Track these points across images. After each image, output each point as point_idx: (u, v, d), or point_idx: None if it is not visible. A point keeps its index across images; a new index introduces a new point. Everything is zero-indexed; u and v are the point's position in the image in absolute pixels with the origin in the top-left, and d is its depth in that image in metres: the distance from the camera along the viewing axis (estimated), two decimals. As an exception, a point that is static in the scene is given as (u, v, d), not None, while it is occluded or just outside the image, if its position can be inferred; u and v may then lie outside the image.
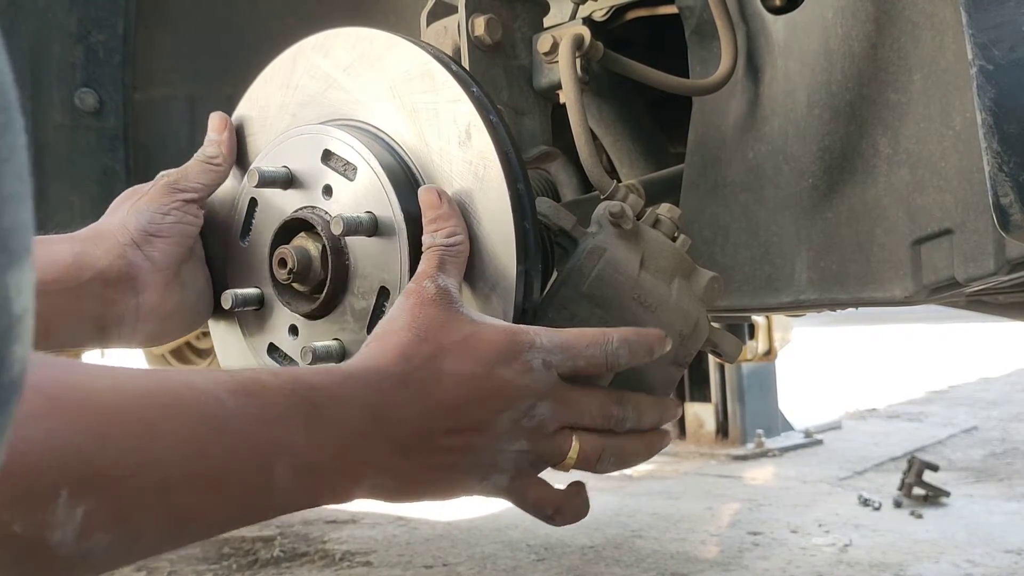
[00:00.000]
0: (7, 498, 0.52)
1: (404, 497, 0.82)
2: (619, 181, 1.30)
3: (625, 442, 0.89)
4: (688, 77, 1.34)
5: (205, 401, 0.62)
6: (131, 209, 0.98)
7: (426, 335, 0.80)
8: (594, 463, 0.87)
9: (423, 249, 0.87)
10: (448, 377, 0.79)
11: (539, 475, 0.87)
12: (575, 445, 0.86)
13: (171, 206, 0.98)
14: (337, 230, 0.89)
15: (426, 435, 0.78)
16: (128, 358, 5.44)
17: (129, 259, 0.95)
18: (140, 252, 0.96)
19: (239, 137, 1.05)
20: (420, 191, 0.90)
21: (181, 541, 0.65)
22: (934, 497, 3.42)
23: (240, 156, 1.05)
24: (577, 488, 0.89)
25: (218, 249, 1.05)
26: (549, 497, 0.87)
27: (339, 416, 0.71)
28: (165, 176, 1.01)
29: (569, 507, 0.88)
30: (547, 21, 1.29)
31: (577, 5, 1.34)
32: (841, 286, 1.21)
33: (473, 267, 0.90)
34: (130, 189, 1.02)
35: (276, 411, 0.66)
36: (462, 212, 0.90)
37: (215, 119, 1.04)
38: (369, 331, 0.89)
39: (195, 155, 1.03)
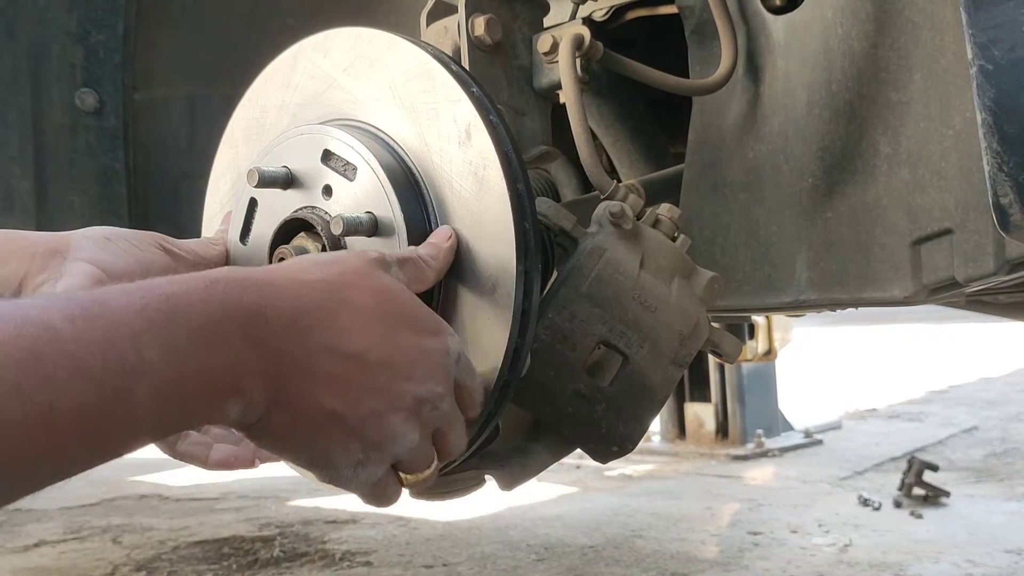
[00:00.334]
0: None
1: (277, 440, 0.73)
2: (619, 181, 1.30)
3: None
4: (688, 77, 1.34)
5: (35, 334, 0.57)
6: (113, 228, 0.95)
7: (341, 269, 0.76)
8: (423, 486, 0.83)
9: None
10: (350, 307, 0.74)
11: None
12: (435, 462, 0.81)
13: (146, 241, 0.94)
14: (337, 230, 0.89)
15: (310, 355, 0.71)
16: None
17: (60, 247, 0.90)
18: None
19: None
20: (441, 229, 0.90)
21: (34, 482, 0.59)
22: (934, 497, 3.42)
23: None
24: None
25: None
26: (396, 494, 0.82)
27: (200, 323, 0.65)
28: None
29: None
30: (547, 21, 1.29)
31: (577, 5, 1.34)
32: (841, 286, 1.21)
33: (473, 267, 0.90)
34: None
35: (124, 331, 0.60)
36: (462, 212, 0.91)
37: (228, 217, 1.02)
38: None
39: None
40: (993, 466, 4.14)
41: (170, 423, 0.65)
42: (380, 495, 0.80)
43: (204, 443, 0.97)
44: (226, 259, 1.01)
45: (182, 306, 0.64)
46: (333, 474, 0.76)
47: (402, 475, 0.80)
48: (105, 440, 0.61)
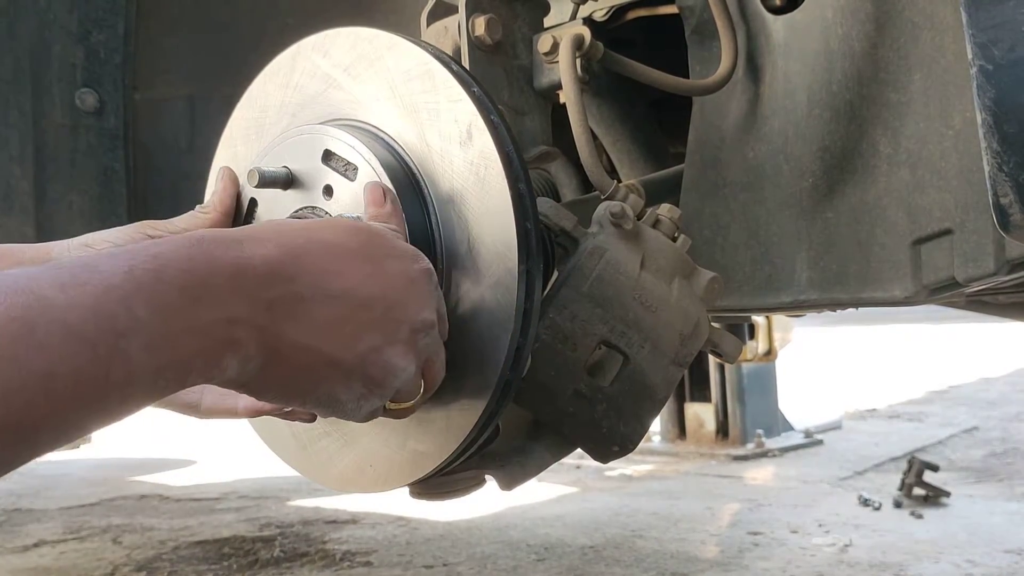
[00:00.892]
0: None
1: (280, 388, 0.73)
2: (619, 181, 1.30)
3: None
4: (688, 77, 1.34)
5: (26, 303, 0.58)
6: (92, 233, 0.96)
7: (316, 221, 0.77)
8: (405, 415, 0.85)
9: None
10: (333, 248, 0.74)
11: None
12: (421, 391, 0.83)
13: (129, 235, 0.95)
14: (338, 230, 0.89)
15: (302, 299, 0.71)
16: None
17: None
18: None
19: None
20: (366, 185, 0.89)
21: (35, 448, 0.60)
22: (934, 497, 3.42)
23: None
24: None
25: None
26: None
27: (188, 280, 0.65)
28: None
29: None
30: (547, 21, 1.29)
31: (577, 5, 1.34)
32: (841, 286, 1.21)
33: (475, 267, 0.90)
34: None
35: (115, 294, 0.61)
36: (462, 212, 0.91)
37: (221, 172, 1.01)
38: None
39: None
40: (993, 466, 4.14)
41: (167, 381, 0.65)
42: (371, 417, 0.81)
43: (227, 393, 0.97)
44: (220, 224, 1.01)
45: (169, 264, 0.65)
46: (339, 411, 0.77)
47: (388, 403, 0.81)
48: (103, 401, 0.61)
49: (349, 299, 0.74)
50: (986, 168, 0.85)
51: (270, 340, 0.70)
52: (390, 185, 0.91)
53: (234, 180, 1.01)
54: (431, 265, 0.82)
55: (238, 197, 1.01)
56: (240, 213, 1.01)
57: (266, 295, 0.69)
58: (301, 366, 0.72)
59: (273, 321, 0.69)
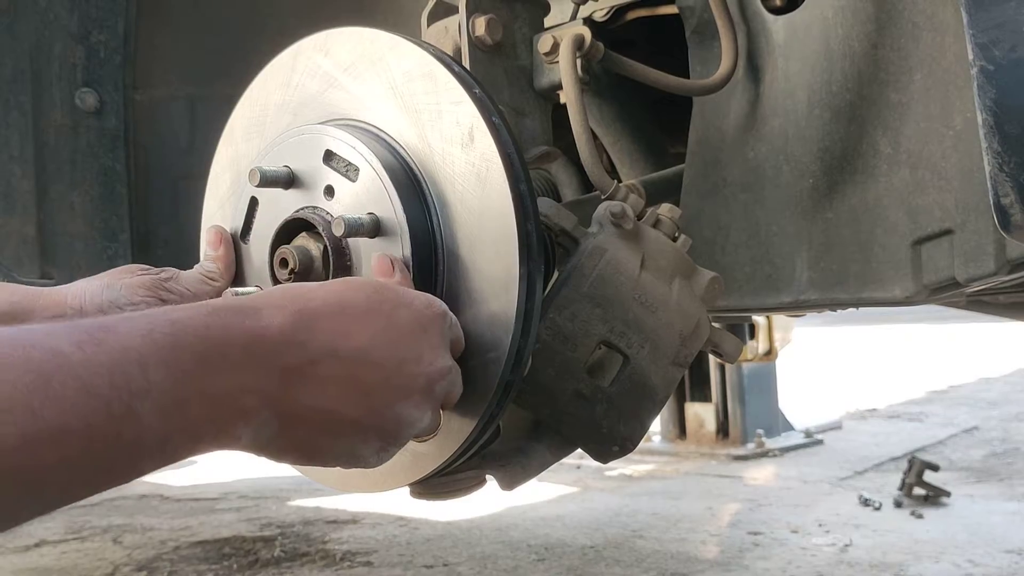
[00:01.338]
0: None
1: (298, 451, 0.75)
2: (619, 181, 1.30)
3: None
4: (688, 77, 1.34)
5: (43, 358, 0.59)
6: (107, 282, 0.97)
7: (331, 284, 0.79)
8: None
9: None
10: (345, 308, 0.75)
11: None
12: (441, 421, 0.85)
13: (144, 298, 0.96)
14: (339, 231, 0.89)
15: (314, 363, 0.72)
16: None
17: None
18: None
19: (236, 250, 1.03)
20: (374, 256, 0.90)
21: (42, 505, 0.61)
22: (934, 497, 3.42)
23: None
24: None
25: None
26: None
27: (204, 346, 0.66)
28: (165, 272, 1.00)
29: None
30: (547, 21, 1.29)
31: (578, 5, 1.34)
32: (841, 286, 1.22)
33: (476, 268, 0.90)
34: (133, 266, 1.01)
35: (131, 355, 0.62)
36: (464, 214, 0.91)
37: (211, 234, 1.03)
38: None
39: (196, 266, 1.02)
40: (993, 466, 4.14)
41: (177, 446, 0.65)
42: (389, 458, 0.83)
43: None
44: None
45: (187, 331, 0.66)
46: (359, 463, 0.79)
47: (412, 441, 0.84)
48: (112, 460, 0.62)
49: (361, 359, 0.75)
50: (987, 168, 0.85)
51: (284, 407, 0.71)
52: (392, 186, 0.91)
53: (229, 241, 1.02)
54: (444, 306, 0.83)
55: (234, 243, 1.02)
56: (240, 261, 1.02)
57: (279, 363, 0.70)
58: (317, 428, 0.73)
59: (286, 388, 0.71)
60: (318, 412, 0.73)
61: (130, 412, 0.61)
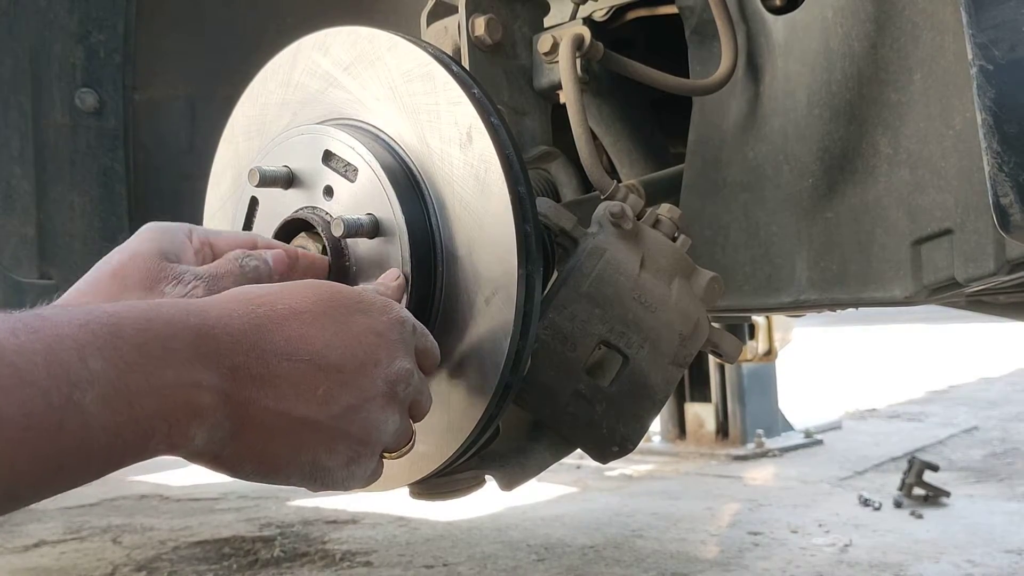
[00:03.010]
0: None
1: (256, 460, 0.70)
2: (619, 181, 1.30)
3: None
4: (688, 77, 1.34)
5: None
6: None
7: (281, 286, 0.76)
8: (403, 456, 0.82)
9: None
10: (296, 312, 0.72)
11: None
12: (414, 434, 0.81)
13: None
14: (338, 232, 0.89)
15: (267, 364, 0.69)
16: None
17: None
18: None
19: None
20: (390, 271, 0.89)
21: None
22: (934, 497, 3.42)
23: None
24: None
25: None
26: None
27: (145, 338, 0.63)
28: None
29: None
30: (547, 21, 1.29)
31: (577, 5, 1.34)
32: (841, 286, 1.21)
33: (475, 270, 0.90)
34: (167, 226, 0.90)
35: (67, 343, 0.59)
36: (462, 215, 0.91)
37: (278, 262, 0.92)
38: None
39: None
40: (993, 466, 4.14)
41: (127, 442, 0.62)
42: (371, 479, 0.80)
43: None
44: None
45: (126, 323, 0.63)
46: (328, 480, 0.75)
47: (385, 454, 0.79)
48: (60, 456, 0.58)
49: (317, 362, 0.71)
50: (986, 168, 0.85)
51: (238, 407, 0.67)
52: (391, 187, 0.91)
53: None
54: (403, 312, 0.80)
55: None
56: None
57: (228, 362, 0.67)
58: (275, 432, 0.69)
59: (239, 387, 0.67)
60: (275, 415, 0.69)
61: (71, 402, 0.58)
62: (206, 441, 0.67)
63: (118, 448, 0.61)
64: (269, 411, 0.69)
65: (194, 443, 0.66)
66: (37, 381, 0.57)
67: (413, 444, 0.82)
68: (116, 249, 0.85)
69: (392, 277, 0.88)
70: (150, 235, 0.86)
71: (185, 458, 0.68)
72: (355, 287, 0.83)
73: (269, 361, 0.69)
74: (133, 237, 0.87)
